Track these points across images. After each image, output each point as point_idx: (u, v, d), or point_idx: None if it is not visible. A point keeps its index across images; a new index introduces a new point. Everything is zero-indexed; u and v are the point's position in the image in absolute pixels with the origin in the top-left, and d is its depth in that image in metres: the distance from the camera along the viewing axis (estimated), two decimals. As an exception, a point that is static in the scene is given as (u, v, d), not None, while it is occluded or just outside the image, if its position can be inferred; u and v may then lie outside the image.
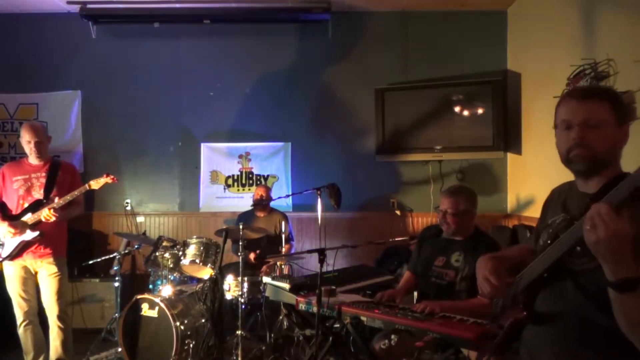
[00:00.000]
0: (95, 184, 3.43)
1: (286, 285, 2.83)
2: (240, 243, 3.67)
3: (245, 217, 4.56)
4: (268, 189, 4.77)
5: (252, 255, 4.15)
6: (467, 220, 2.70)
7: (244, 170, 5.30)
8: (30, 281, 3.41)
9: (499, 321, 1.53)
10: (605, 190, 1.17)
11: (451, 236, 2.75)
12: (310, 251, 2.64)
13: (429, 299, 2.49)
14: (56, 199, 3.31)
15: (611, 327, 1.22)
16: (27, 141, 3.40)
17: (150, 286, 4.06)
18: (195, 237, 3.99)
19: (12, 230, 3.26)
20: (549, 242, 1.35)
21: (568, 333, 1.34)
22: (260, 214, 4.62)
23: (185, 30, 5.32)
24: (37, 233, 3.30)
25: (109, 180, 3.47)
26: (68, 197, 3.30)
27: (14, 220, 3.31)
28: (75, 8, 4.99)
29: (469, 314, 2.29)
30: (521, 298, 1.42)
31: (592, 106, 1.33)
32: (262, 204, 4.51)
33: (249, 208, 4.62)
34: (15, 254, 3.33)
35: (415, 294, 2.92)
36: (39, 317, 3.48)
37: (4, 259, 3.34)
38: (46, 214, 3.25)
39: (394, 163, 5.20)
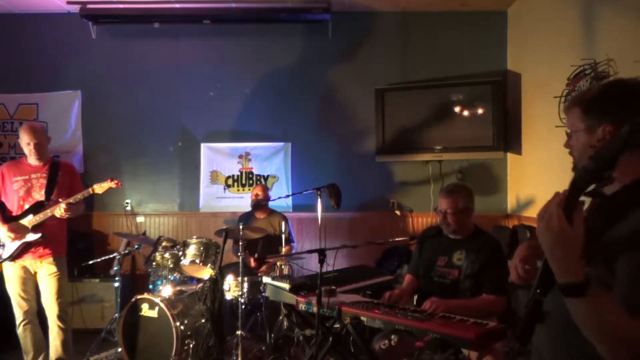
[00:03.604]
0: (99, 188, 3.41)
1: (286, 286, 2.83)
2: (240, 243, 3.68)
3: (245, 219, 4.55)
4: (265, 188, 4.75)
5: (253, 263, 4.14)
6: (467, 217, 2.71)
7: (244, 171, 5.30)
8: (30, 281, 3.41)
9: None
10: (625, 193, 1.20)
11: (452, 235, 2.75)
12: (310, 251, 2.63)
13: (432, 299, 2.49)
14: (60, 199, 3.29)
15: None
16: (26, 143, 3.38)
17: (150, 286, 4.05)
18: (195, 237, 3.98)
19: (12, 235, 3.26)
20: None
21: (563, 333, 1.37)
22: (260, 216, 4.60)
23: (185, 30, 5.32)
24: (39, 235, 3.29)
25: (112, 185, 3.45)
26: (71, 200, 3.29)
27: (15, 221, 3.30)
28: (75, 8, 4.99)
29: (476, 312, 2.33)
30: (535, 295, 1.41)
31: (568, 116, 1.38)
32: (260, 204, 4.50)
33: (249, 209, 4.62)
34: (16, 255, 3.32)
35: (415, 296, 2.92)
36: (38, 317, 3.47)
37: (5, 260, 3.33)
38: (61, 212, 3.23)
39: (394, 163, 5.20)
